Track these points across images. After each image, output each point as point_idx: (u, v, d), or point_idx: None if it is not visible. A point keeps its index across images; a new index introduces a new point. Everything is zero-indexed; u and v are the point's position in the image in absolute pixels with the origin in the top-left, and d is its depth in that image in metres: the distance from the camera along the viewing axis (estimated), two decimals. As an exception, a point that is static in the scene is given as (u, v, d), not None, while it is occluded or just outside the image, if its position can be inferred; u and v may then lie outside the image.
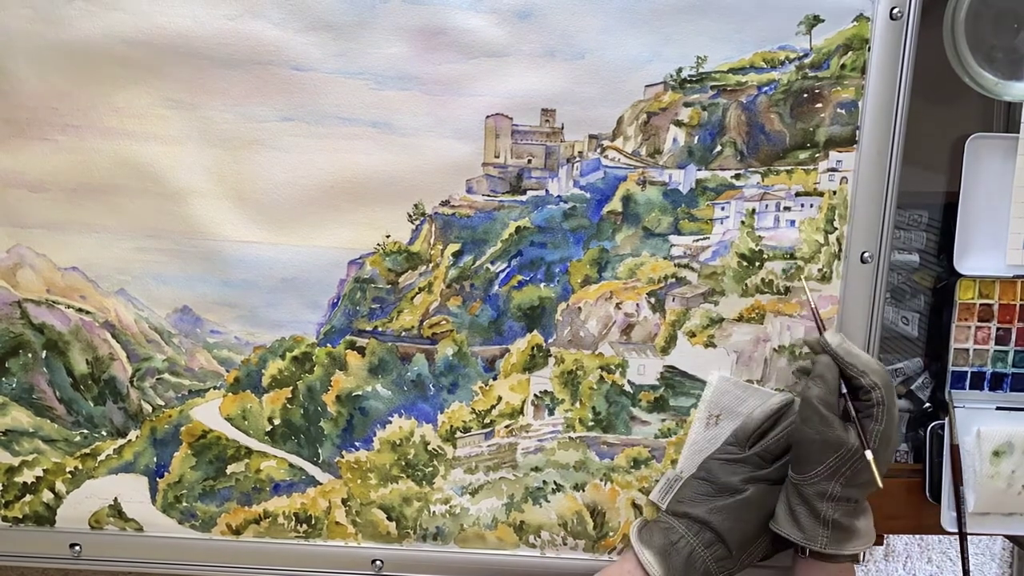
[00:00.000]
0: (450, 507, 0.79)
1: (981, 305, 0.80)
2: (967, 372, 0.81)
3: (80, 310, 0.77)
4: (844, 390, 0.69)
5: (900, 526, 0.81)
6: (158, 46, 0.72)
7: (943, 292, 0.81)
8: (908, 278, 0.78)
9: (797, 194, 0.74)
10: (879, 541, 0.87)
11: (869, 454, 0.67)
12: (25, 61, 0.72)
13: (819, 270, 0.75)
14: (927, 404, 0.84)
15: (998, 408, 0.81)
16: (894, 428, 0.69)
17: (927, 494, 0.82)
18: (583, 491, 0.79)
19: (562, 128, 0.74)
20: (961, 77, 0.75)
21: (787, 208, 0.75)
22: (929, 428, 0.82)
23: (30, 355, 0.78)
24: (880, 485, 0.68)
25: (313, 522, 0.80)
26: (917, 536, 0.75)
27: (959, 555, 0.79)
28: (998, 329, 0.81)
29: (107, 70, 0.72)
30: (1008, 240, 0.77)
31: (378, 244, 0.76)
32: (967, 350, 0.81)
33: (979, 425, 0.80)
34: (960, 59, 0.74)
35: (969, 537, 0.80)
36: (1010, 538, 0.95)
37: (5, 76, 0.72)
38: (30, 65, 0.72)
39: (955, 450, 0.79)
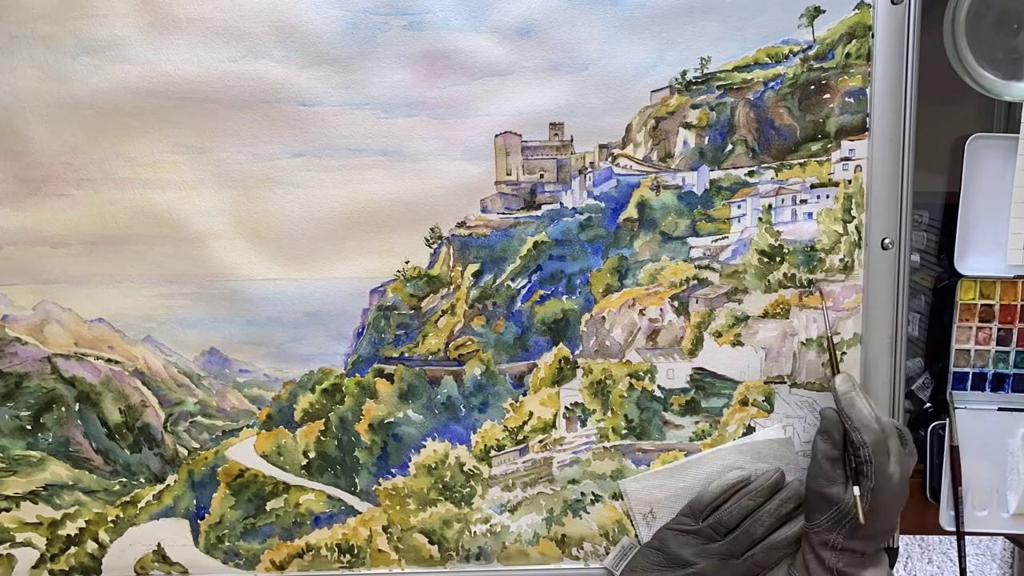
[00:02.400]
0: (490, 526, 0.79)
1: (982, 306, 0.80)
2: (968, 373, 0.81)
3: (109, 360, 0.78)
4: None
5: (900, 526, 0.80)
6: (165, 94, 0.72)
7: (944, 292, 0.81)
8: (909, 278, 0.77)
9: (812, 186, 0.74)
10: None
11: (856, 490, 0.68)
12: (36, 120, 0.73)
13: (840, 260, 0.75)
14: (928, 404, 0.84)
15: (1000, 409, 0.80)
16: (891, 488, 0.69)
17: (927, 494, 0.82)
18: (622, 500, 0.79)
19: (571, 140, 0.74)
20: (961, 77, 0.75)
21: (803, 201, 0.74)
22: (930, 428, 0.82)
23: (63, 408, 0.78)
24: (862, 521, 0.68)
25: (356, 552, 0.80)
26: (918, 536, 0.75)
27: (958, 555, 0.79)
28: (999, 330, 0.80)
29: (117, 121, 0.73)
30: (1008, 240, 0.77)
31: (398, 271, 0.76)
32: (968, 351, 0.80)
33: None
34: (960, 59, 0.74)
35: (969, 537, 0.80)
36: (1010, 538, 0.94)
37: (18, 136, 0.73)
38: (41, 123, 0.73)
39: (955, 451, 0.79)
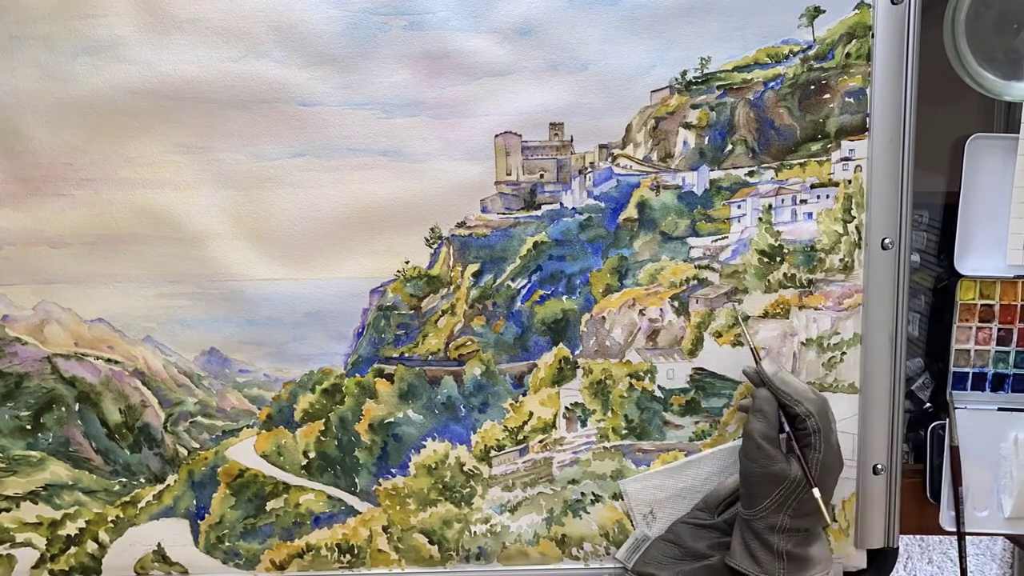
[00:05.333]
0: (490, 526, 0.79)
1: (982, 306, 0.80)
2: (968, 373, 0.81)
3: (109, 360, 0.78)
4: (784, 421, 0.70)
5: (901, 527, 0.80)
6: (165, 94, 0.72)
7: (944, 292, 0.81)
8: (909, 278, 0.78)
9: (812, 186, 0.74)
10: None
11: (816, 492, 0.68)
12: (36, 120, 0.73)
13: (840, 260, 0.75)
14: (928, 404, 0.84)
15: (999, 409, 0.80)
16: (834, 455, 0.70)
17: (927, 494, 0.82)
18: (622, 500, 0.79)
19: (571, 140, 0.74)
20: (961, 77, 0.75)
21: (803, 201, 0.74)
22: (929, 428, 0.82)
23: (63, 408, 0.78)
24: (829, 522, 0.69)
25: (356, 552, 0.80)
26: (918, 536, 0.75)
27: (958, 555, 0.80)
28: (999, 330, 0.80)
29: (117, 121, 0.73)
30: (1008, 240, 0.77)
31: (398, 271, 0.76)
32: (968, 351, 0.81)
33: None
34: (960, 59, 0.74)
35: (969, 537, 0.80)
36: (1010, 538, 0.95)
37: (17, 136, 0.73)
38: (41, 123, 0.73)
39: (955, 451, 0.79)
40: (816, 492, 0.68)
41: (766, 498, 0.69)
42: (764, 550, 0.69)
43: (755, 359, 0.72)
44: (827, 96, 0.73)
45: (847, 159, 0.73)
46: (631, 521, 0.79)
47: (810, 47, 0.72)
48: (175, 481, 0.79)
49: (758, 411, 0.70)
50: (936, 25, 0.74)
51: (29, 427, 0.78)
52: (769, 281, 0.75)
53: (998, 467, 0.80)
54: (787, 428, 0.70)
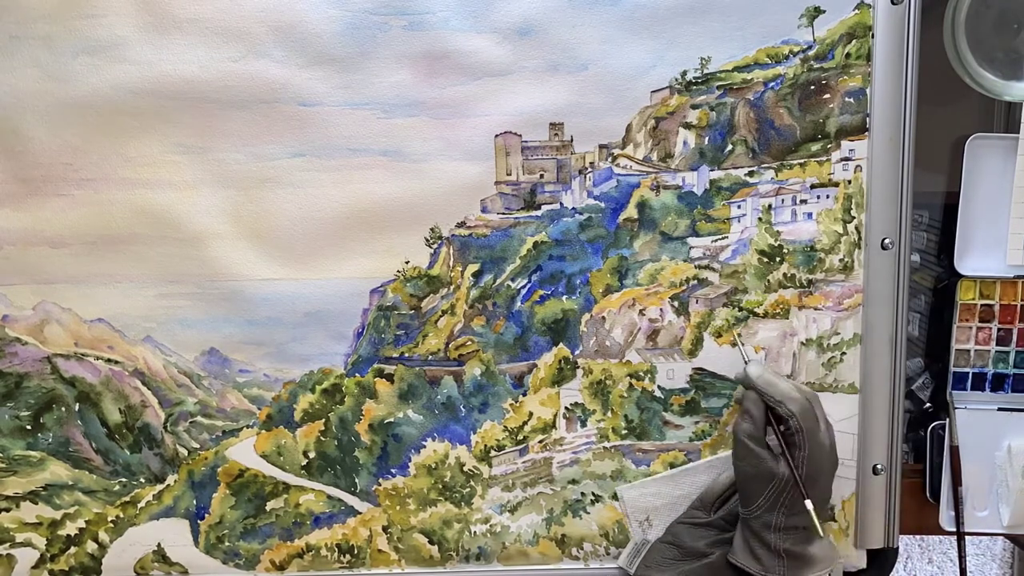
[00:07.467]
0: (490, 526, 0.79)
1: (982, 306, 0.80)
2: (968, 373, 0.81)
3: (109, 360, 0.78)
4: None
5: (900, 526, 0.80)
6: (165, 94, 0.72)
7: (944, 292, 0.81)
8: (909, 278, 0.78)
9: (812, 186, 0.74)
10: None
11: (809, 504, 0.68)
12: (36, 119, 0.73)
13: (840, 260, 0.75)
14: (928, 404, 0.84)
15: (999, 409, 0.80)
16: (823, 454, 0.70)
17: (927, 494, 0.82)
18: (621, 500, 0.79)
19: (571, 141, 0.74)
20: (961, 77, 0.75)
21: (803, 201, 0.74)
22: (929, 428, 0.82)
23: (63, 409, 0.78)
24: (821, 534, 0.69)
25: (356, 552, 0.80)
26: (918, 536, 0.75)
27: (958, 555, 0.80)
28: (999, 330, 0.80)
29: (117, 121, 0.73)
30: (1008, 240, 0.77)
31: (398, 271, 0.76)
32: (968, 351, 0.81)
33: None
34: (960, 59, 0.74)
35: (969, 537, 0.80)
36: (1010, 538, 0.95)
37: (17, 136, 0.73)
38: (41, 123, 0.73)
39: (955, 451, 0.79)
40: (809, 504, 0.68)
41: (759, 496, 0.69)
42: (763, 548, 0.69)
43: (744, 362, 0.73)
44: (827, 96, 0.73)
45: (847, 159, 0.73)
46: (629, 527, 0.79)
47: (810, 47, 0.72)
48: (175, 481, 0.79)
49: (745, 412, 0.71)
50: (936, 25, 0.74)
51: (29, 427, 0.78)
52: (769, 281, 0.75)
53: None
54: (774, 428, 0.70)
